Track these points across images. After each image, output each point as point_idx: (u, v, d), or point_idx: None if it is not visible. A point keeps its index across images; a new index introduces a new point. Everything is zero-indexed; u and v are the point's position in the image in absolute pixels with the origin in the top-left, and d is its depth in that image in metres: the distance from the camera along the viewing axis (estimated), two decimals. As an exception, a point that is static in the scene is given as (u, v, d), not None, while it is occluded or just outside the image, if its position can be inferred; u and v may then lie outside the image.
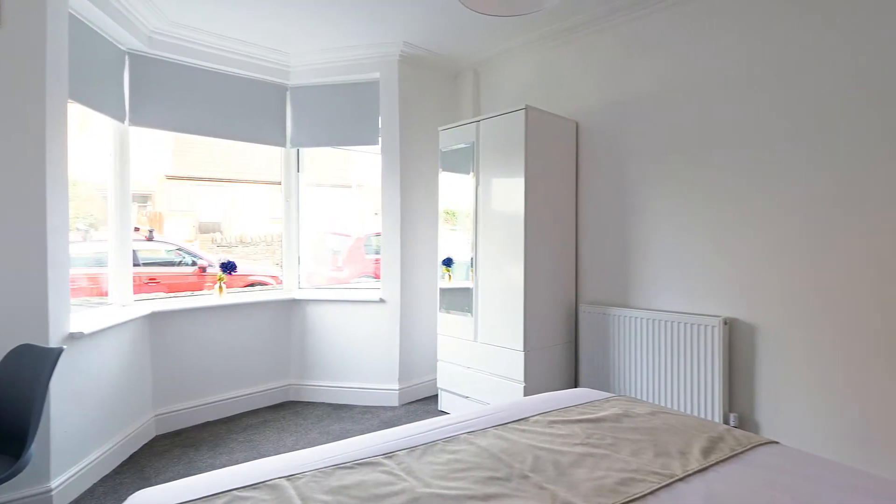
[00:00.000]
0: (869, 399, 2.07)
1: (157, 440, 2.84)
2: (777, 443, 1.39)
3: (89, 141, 2.77)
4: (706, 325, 2.46)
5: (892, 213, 2.00)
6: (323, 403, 3.44)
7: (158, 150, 4.15)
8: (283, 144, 3.55)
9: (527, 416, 1.58)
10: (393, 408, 3.34)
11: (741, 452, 1.30)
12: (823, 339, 2.19)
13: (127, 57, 2.84)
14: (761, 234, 2.37)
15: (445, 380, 3.22)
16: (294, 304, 3.51)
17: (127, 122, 2.86)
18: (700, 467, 1.22)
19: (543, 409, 1.63)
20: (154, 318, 2.90)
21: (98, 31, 2.55)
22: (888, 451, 2.02)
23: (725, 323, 2.44)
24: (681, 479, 1.17)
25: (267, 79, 3.41)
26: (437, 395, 3.37)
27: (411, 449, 1.36)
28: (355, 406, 3.38)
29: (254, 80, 3.36)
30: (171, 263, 4.03)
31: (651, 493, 1.12)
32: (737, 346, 2.45)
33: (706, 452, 1.29)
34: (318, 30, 3.07)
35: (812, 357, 2.22)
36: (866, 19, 2.06)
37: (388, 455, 1.33)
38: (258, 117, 3.41)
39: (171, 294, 3.29)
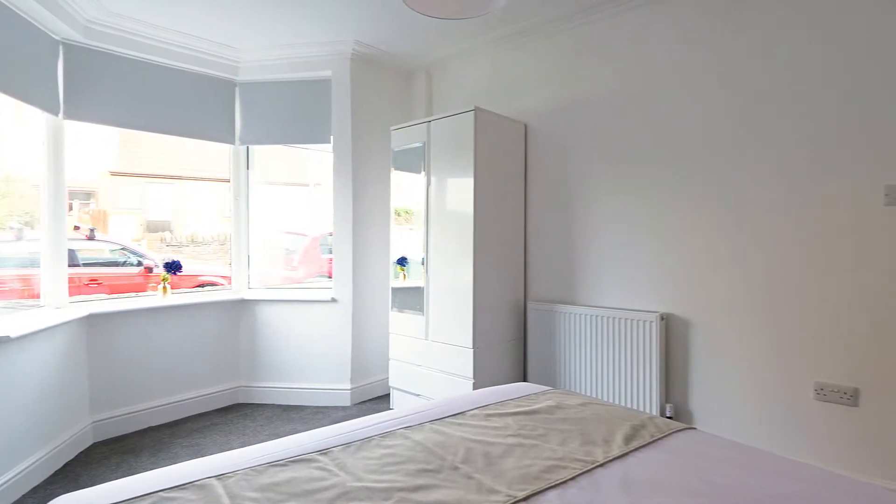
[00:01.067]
0: (794, 390, 2.22)
1: (95, 447, 2.73)
2: (695, 429, 1.49)
3: (26, 135, 2.63)
4: (645, 321, 2.58)
5: (821, 216, 2.16)
6: (273, 405, 3.39)
7: (102, 144, 3.98)
8: (231, 141, 3.47)
9: (464, 410, 1.62)
10: (345, 407, 3.32)
11: (660, 438, 1.38)
12: (752, 333, 2.33)
13: (61, 47, 2.72)
14: (696, 234, 2.50)
15: (397, 378, 3.24)
16: (243, 304, 3.44)
17: (61, 115, 2.73)
18: (620, 453, 1.29)
19: (482, 403, 1.68)
20: (92, 320, 2.78)
21: (27, 18, 2.43)
22: (809, 438, 2.18)
23: (662, 318, 2.56)
24: (601, 465, 1.24)
25: (214, 74, 3.32)
26: (389, 394, 3.38)
27: (347, 445, 1.38)
28: (307, 407, 3.34)
29: (200, 74, 3.27)
30: (116, 264, 3.87)
31: (572, 478, 1.18)
32: (673, 340, 2.58)
33: (628, 439, 1.37)
34: (267, 25, 3.02)
35: (741, 350, 2.37)
36: (810, 24, 2.22)
37: (324, 452, 1.34)
38: (205, 113, 3.32)
39: (113, 295, 3.17)
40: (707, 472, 1.20)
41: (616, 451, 1.30)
